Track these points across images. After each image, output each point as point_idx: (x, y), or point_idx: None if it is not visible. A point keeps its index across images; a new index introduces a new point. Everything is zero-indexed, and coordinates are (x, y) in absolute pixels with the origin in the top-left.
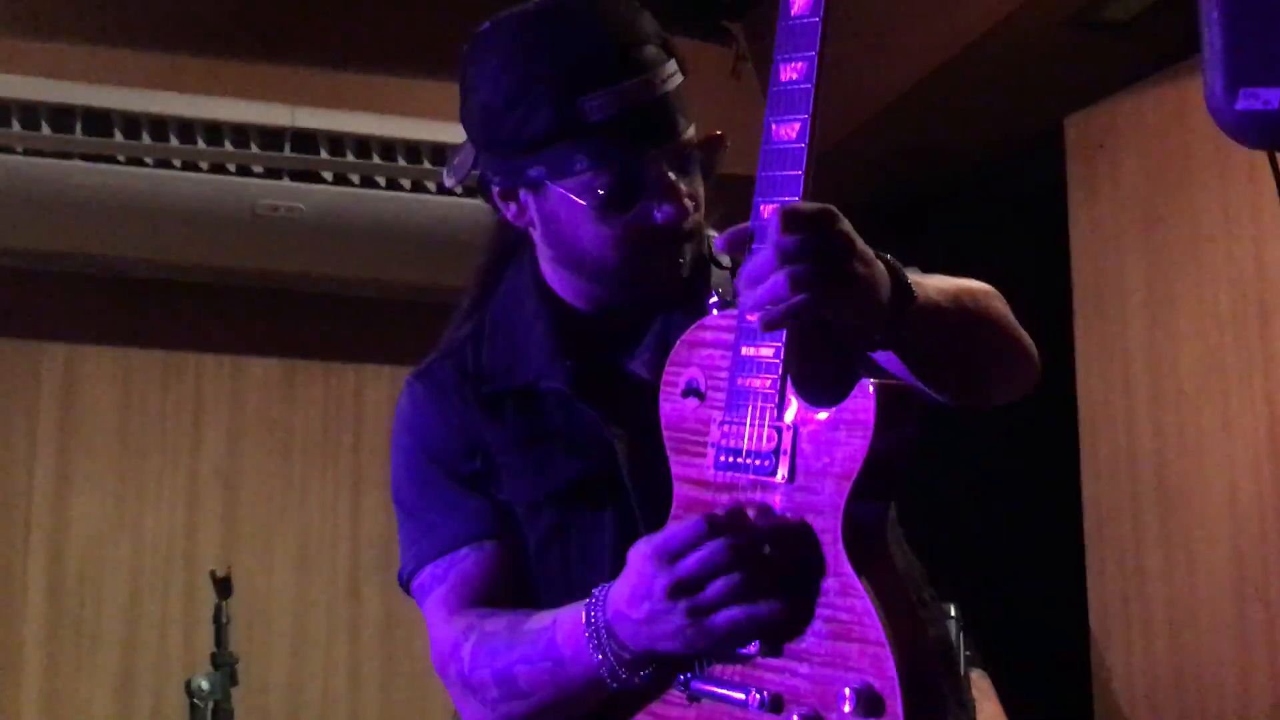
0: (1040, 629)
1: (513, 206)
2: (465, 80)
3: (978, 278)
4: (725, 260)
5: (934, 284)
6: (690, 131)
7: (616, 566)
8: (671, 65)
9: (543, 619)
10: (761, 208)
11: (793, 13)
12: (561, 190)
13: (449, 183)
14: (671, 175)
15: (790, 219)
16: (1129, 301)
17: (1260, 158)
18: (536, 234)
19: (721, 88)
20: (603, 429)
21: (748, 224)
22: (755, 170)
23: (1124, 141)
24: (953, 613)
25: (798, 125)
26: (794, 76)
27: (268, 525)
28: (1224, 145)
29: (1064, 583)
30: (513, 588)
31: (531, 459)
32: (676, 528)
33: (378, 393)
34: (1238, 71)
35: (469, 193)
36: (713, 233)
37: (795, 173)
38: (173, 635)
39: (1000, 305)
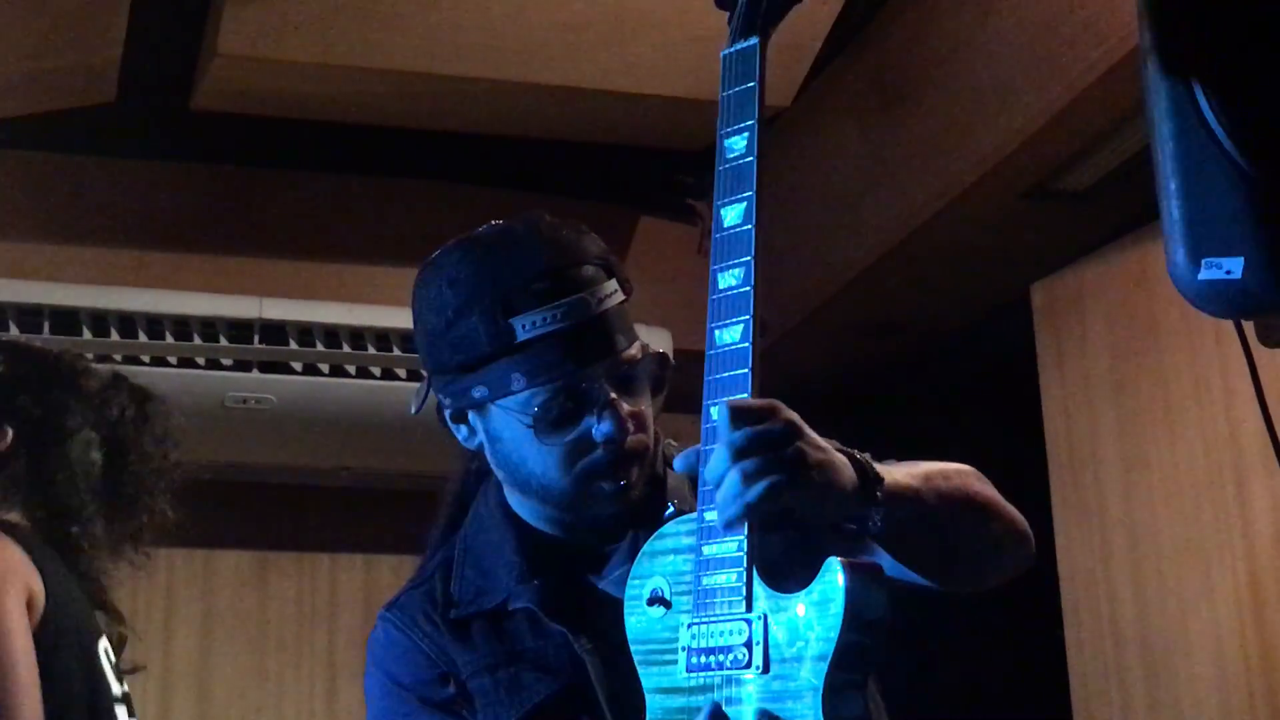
0: None
1: (463, 429)
2: (414, 308)
3: (951, 447)
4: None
5: (903, 469)
6: (633, 349)
7: None
8: (610, 285)
9: None
10: (710, 410)
11: (725, 225)
12: (502, 410)
13: (412, 411)
14: (612, 394)
15: (735, 415)
16: (1104, 467)
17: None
18: (488, 456)
19: (689, 264)
20: (573, 646)
21: (698, 445)
22: None
23: (1091, 307)
24: None
25: (740, 327)
26: (732, 283)
27: None
28: (1190, 308)
29: None
30: None
31: (502, 681)
32: None
33: (351, 582)
34: (1198, 241)
35: None
36: (672, 442)
37: (742, 372)
38: None
39: (979, 483)
